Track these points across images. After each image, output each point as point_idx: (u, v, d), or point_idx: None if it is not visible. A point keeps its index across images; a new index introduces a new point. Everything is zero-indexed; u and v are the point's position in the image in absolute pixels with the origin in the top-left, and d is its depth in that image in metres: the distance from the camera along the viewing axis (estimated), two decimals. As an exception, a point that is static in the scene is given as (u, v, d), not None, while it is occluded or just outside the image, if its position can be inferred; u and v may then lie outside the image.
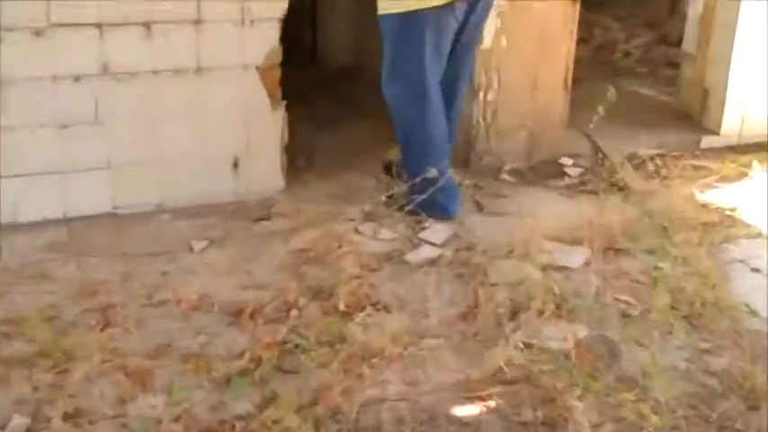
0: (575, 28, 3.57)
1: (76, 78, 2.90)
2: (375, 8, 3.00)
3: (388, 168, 3.42)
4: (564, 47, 3.55)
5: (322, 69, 4.75)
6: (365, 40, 4.30)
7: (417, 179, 3.01)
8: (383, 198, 3.19)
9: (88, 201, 3.04)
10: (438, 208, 3.08)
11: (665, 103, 4.34)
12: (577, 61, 4.73)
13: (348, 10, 4.71)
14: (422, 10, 2.90)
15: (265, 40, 3.10)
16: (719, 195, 3.36)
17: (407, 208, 3.06)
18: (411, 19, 2.93)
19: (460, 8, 2.98)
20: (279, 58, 3.14)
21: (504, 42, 3.44)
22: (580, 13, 5.01)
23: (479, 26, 3.21)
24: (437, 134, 3.10)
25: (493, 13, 3.29)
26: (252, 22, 3.06)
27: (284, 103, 3.20)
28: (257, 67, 3.12)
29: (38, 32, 2.81)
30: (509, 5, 3.39)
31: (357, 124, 3.94)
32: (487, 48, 3.43)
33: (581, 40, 4.95)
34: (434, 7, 2.90)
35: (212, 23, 3.02)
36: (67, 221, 3.01)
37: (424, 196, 2.98)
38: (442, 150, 3.13)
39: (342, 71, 4.68)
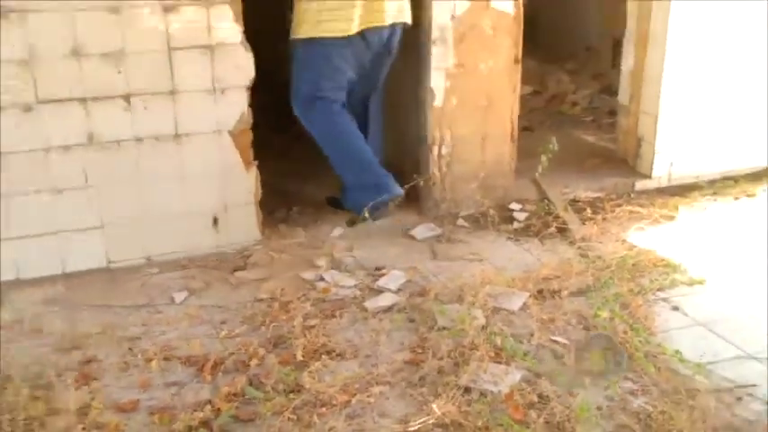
0: (518, 86, 3.62)
1: (66, 148, 2.95)
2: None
3: (332, 201, 3.63)
4: (509, 103, 3.59)
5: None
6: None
7: (351, 184, 3.40)
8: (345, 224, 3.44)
9: (84, 257, 3.09)
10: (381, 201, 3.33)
11: (605, 148, 4.40)
12: (532, 110, 4.87)
13: None
14: (330, 37, 3.19)
15: (235, 107, 3.13)
16: (650, 237, 3.36)
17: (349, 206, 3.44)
18: (319, 44, 3.21)
19: (372, 38, 3.26)
20: (249, 122, 3.18)
21: (454, 101, 3.47)
22: (535, 66, 5.19)
23: (391, 56, 3.44)
24: (353, 143, 3.38)
25: (443, 74, 3.37)
26: (222, 90, 3.08)
27: (256, 162, 3.22)
28: (229, 132, 3.13)
29: (27, 108, 2.83)
30: (458, 68, 3.40)
31: (332, 178, 3.94)
32: (439, 106, 3.45)
33: (536, 92, 5.11)
34: (343, 37, 3.19)
35: (186, 93, 3.04)
36: (65, 277, 3.07)
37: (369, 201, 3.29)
38: (363, 157, 3.37)
39: None
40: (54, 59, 2.83)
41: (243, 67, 3.09)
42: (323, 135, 3.38)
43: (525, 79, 5.07)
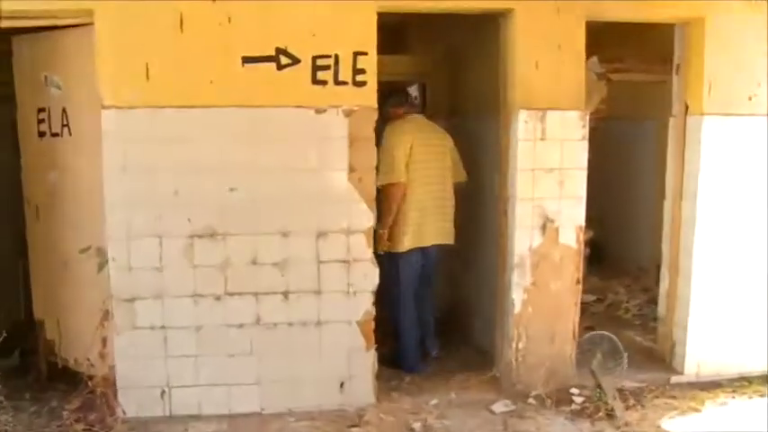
0: (579, 299, 4.39)
1: (240, 326, 3.93)
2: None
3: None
4: (572, 313, 4.33)
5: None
6: (458, 291, 5.38)
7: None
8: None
9: (244, 403, 4.04)
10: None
11: (649, 348, 5.04)
12: (594, 314, 5.87)
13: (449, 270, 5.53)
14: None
15: (363, 305, 4.01)
16: (681, 426, 3.95)
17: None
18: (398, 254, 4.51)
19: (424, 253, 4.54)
20: (372, 315, 4.02)
21: (530, 310, 4.24)
22: (598, 281, 6.24)
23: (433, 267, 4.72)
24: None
25: (521, 290, 4.19)
26: (354, 293, 3.98)
27: (376, 345, 4.06)
28: (357, 322, 4.01)
29: (218, 298, 3.89)
30: (533, 285, 4.16)
31: (451, 353, 4.94)
32: (518, 313, 4.19)
33: (598, 300, 6.04)
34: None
35: (328, 293, 3.97)
36: (230, 417, 4.02)
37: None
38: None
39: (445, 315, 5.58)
40: (240, 266, 3.89)
41: (369, 276, 4.00)
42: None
43: (590, 290, 6.27)
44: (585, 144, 4.22)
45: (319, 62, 3.84)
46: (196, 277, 3.88)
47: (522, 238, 4.19)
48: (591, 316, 5.65)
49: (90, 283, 3.96)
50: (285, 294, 3.97)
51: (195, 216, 3.84)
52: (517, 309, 4.24)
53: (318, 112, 3.86)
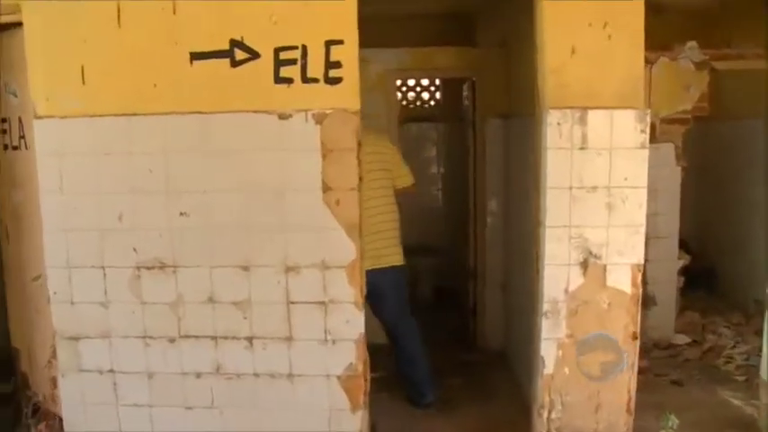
0: (636, 360, 3.12)
1: (198, 375, 3.15)
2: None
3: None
4: (625, 379, 3.06)
5: (479, 352, 4.78)
6: (512, 329, 4.39)
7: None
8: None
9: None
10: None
11: (747, 416, 3.56)
12: (686, 361, 4.35)
13: (499, 303, 4.72)
14: None
15: (344, 356, 3.09)
16: None
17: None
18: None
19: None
20: (358, 371, 3.09)
21: (566, 370, 3.07)
22: (697, 317, 4.60)
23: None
24: None
25: (554, 344, 3.11)
26: (333, 341, 3.07)
27: (365, 407, 3.13)
28: (337, 377, 3.09)
29: (171, 340, 3.13)
30: (570, 338, 3.05)
31: (484, 408, 3.88)
32: (550, 373, 3.04)
33: (694, 342, 4.42)
34: None
35: (301, 341, 3.09)
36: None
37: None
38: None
39: (495, 355, 4.66)
40: (194, 304, 3.11)
41: (352, 322, 3.06)
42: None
43: (684, 330, 4.67)
44: (645, 154, 3.00)
45: (283, 55, 2.95)
46: (145, 316, 3.14)
47: (555, 278, 3.06)
48: (682, 364, 4.28)
49: (45, 314, 3.35)
50: (249, 340, 3.13)
51: (142, 245, 3.10)
52: (549, 368, 3.11)
53: (282, 117, 2.98)
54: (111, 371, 3.19)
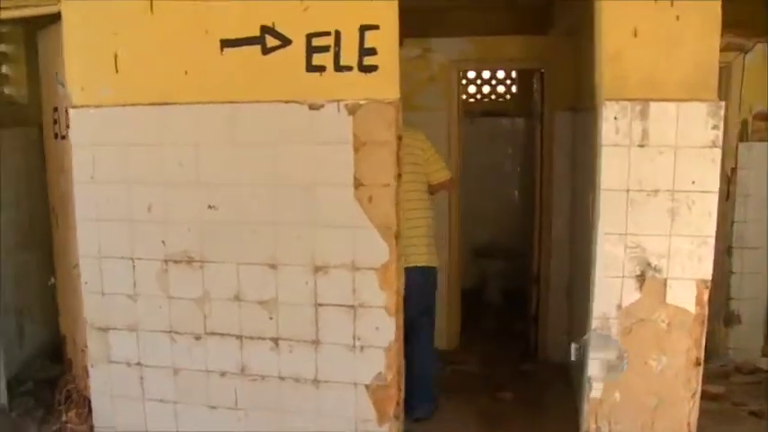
0: (698, 389, 2.68)
1: (222, 374, 3.01)
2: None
3: None
4: (685, 409, 2.67)
5: (539, 364, 4.42)
6: (575, 340, 3.93)
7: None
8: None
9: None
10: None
11: None
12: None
13: (563, 310, 4.35)
14: None
15: (374, 365, 2.86)
16: None
17: None
18: None
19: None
20: (387, 380, 2.85)
21: (617, 396, 2.69)
22: None
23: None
24: None
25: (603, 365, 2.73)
26: (362, 348, 2.85)
27: (395, 419, 2.89)
28: (366, 386, 2.87)
29: (197, 337, 3.00)
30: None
31: (533, 427, 3.55)
32: (597, 398, 2.69)
33: None
34: None
35: (328, 345, 2.88)
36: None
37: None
38: None
39: (556, 367, 4.23)
40: (220, 301, 2.96)
41: (382, 329, 2.82)
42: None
43: None
44: (717, 154, 2.58)
45: (315, 42, 2.74)
46: (172, 310, 3.03)
47: (607, 292, 2.69)
48: (767, 393, 3.75)
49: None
50: (275, 341, 2.95)
51: (170, 237, 2.98)
52: (596, 393, 2.74)
53: (313, 108, 2.77)
54: (139, 364, 3.10)
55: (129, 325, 3.09)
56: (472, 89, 6.15)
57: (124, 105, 2.94)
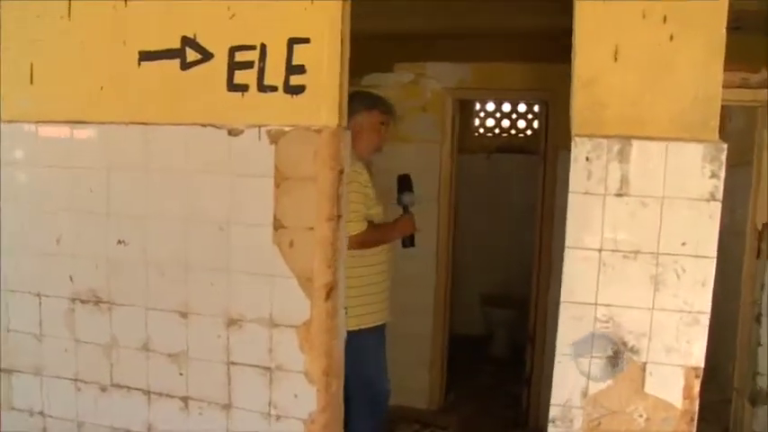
0: None
1: (128, 433, 2.54)
2: None
3: None
4: None
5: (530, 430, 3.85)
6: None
7: None
8: None
9: None
10: None
11: None
12: None
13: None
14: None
15: (291, 439, 2.32)
16: None
17: None
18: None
19: None
20: (305, 459, 2.31)
21: None
22: None
23: None
24: None
25: None
26: (278, 417, 2.32)
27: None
28: (282, 463, 2.34)
29: (103, 389, 2.55)
30: None
31: None
32: None
33: None
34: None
35: (240, 411, 2.38)
36: None
37: None
38: None
39: None
40: (128, 350, 2.50)
41: (302, 397, 2.29)
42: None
43: None
44: (716, 210, 1.96)
45: (238, 56, 2.28)
46: (78, 355, 2.58)
47: (570, 374, 2.09)
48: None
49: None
50: (184, 400, 2.46)
51: (78, 273, 2.54)
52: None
53: (233, 133, 2.30)
54: (42, 413, 2.67)
55: (34, 368, 2.66)
56: (491, 122, 5.59)
57: (37, 122, 2.55)
